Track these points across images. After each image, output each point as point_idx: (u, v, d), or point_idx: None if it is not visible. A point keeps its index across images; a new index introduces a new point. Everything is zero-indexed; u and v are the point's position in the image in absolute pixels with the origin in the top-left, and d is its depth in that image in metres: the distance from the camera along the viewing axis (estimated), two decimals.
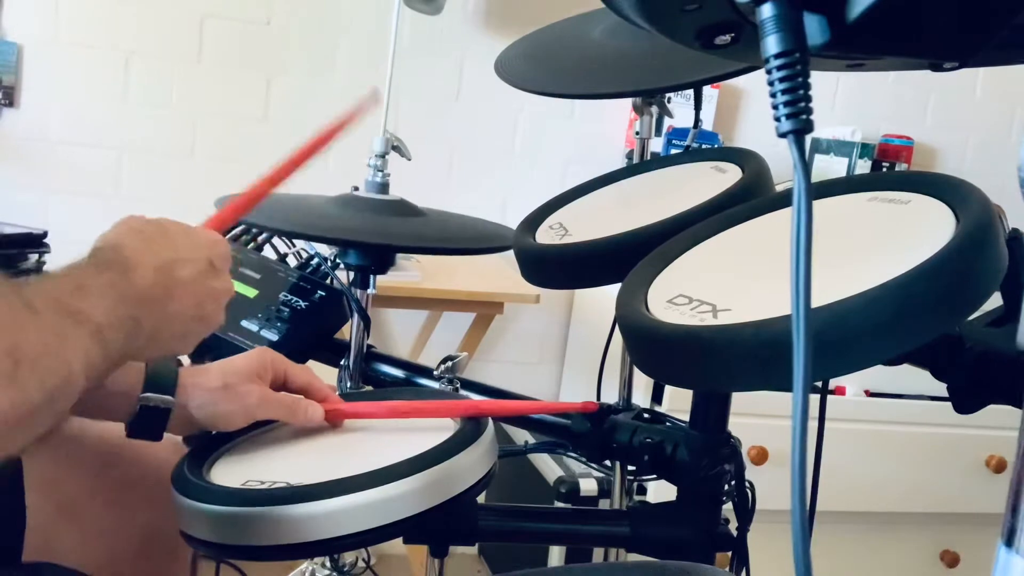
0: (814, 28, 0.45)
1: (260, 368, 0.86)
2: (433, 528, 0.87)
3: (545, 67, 1.21)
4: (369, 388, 1.22)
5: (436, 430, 0.82)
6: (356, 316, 1.20)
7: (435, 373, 1.09)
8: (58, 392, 0.55)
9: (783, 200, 0.83)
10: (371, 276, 1.22)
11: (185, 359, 0.88)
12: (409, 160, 1.30)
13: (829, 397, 0.95)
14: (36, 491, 0.83)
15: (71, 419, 0.92)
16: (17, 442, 0.54)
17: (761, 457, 1.97)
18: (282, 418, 0.86)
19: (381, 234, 1.18)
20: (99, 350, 0.59)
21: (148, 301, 0.65)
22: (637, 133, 1.27)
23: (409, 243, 1.23)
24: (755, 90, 2.56)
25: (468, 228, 1.33)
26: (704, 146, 2.07)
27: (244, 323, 1.17)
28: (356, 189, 1.32)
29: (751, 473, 0.96)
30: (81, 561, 0.86)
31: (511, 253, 1.04)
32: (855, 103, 2.64)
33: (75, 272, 0.62)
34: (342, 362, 1.21)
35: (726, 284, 0.73)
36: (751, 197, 0.90)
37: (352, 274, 1.22)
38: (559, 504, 1.85)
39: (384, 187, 1.28)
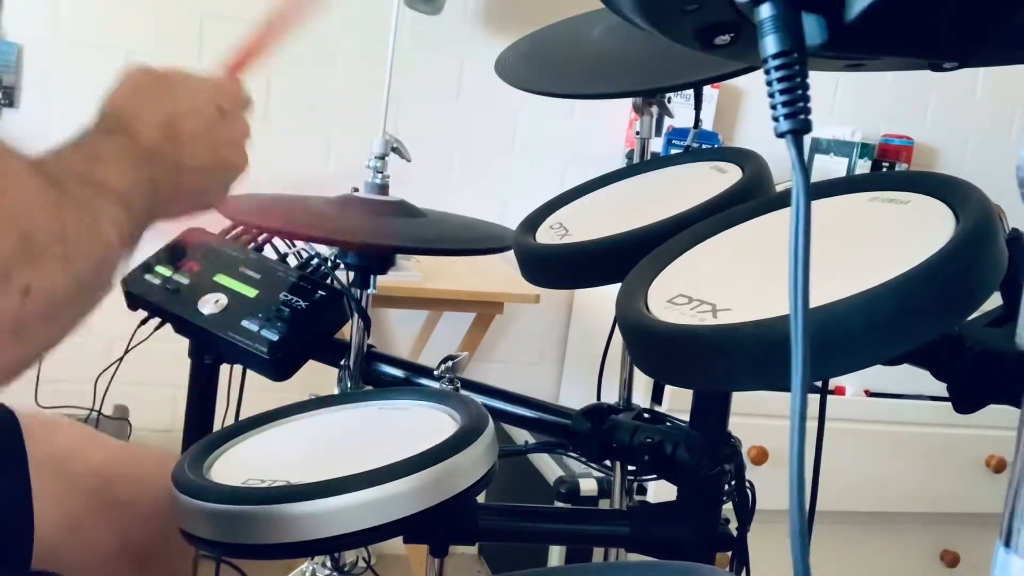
0: (812, 28, 0.45)
1: None
2: (433, 528, 0.87)
3: (545, 67, 1.21)
4: (369, 388, 1.22)
5: (436, 430, 0.82)
6: (356, 316, 1.20)
7: (435, 373, 1.09)
8: (103, 263, 0.57)
9: (783, 200, 0.83)
10: (371, 276, 1.22)
11: None
12: (408, 161, 1.31)
13: (829, 397, 0.95)
14: (42, 504, 0.84)
15: (73, 438, 0.92)
16: (73, 315, 0.56)
17: (761, 457, 1.97)
18: None
19: (381, 234, 1.18)
20: (127, 216, 0.60)
21: (159, 158, 0.64)
22: (637, 133, 1.27)
23: (409, 243, 1.23)
24: (755, 90, 2.56)
25: (468, 228, 1.33)
26: (704, 146, 2.08)
27: (244, 323, 1.17)
28: (356, 190, 1.32)
29: (751, 473, 0.97)
30: (84, 574, 0.87)
31: (511, 253, 1.04)
32: (855, 103, 2.64)
33: (86, 142, 0.62)
34: (342, 362, 1.21)
35: (726, 284, 0.73)
36: (751, 197, 0.90)
37: (352, 274, 1.22)
38: (559, 504, 1.85)
39: (384, 188, 1.28)
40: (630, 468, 1.24)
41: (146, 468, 0.94)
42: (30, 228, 0.51)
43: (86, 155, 0.60)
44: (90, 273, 0.56)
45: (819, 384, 0.97)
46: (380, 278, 1.23)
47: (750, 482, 0.96)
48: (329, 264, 1.25)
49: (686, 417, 0.97)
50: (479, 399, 0.92)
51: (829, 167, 2.47)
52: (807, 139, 0.43)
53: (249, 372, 1.28)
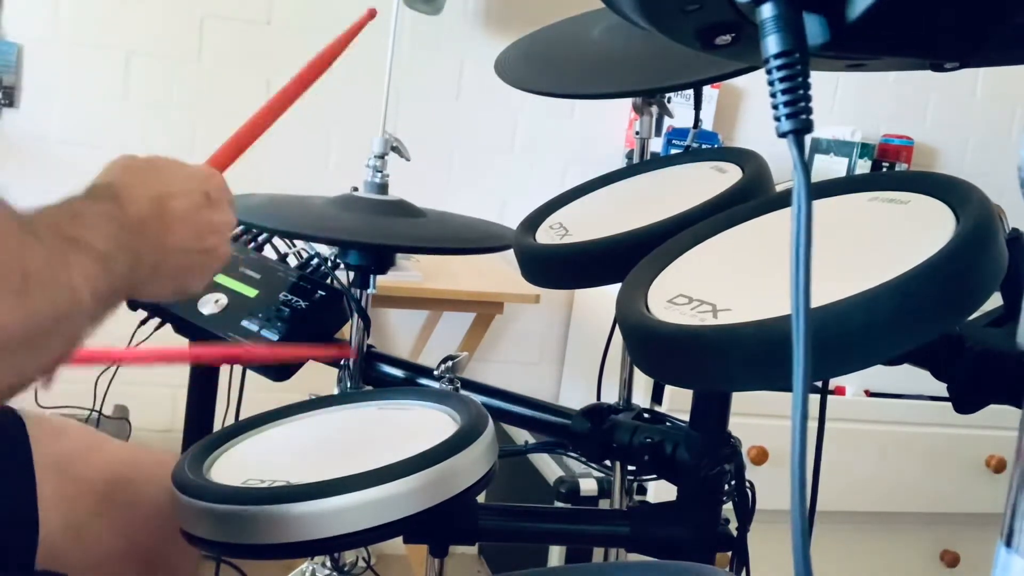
0: (814, 28, 0.45)
1: None
2: (433, 528, 0.87)
3: (545, 67, 1.21)
4: (369, 388, 1.22)
5: (436, 430, 0.82)
6: (356, 316, 1.20)
7: (435, 373, 1.09)
8: (66, 314, 0.55)
9: (783, 200, 0.83)
10: (371, 276, 1.22)
11: None
12: (408, 160, 1.30)
13: (829, 397, 0.95)
14: (47, 508, 0.84)
15: (79, 441, 0.92)
16: (26, 363, 0.53)
17: (761, 457, 1.97)
18: None
19: (381, 234, 1.18)
20: (103, 277, 0.58)
21: (145, 231, 0.64)
22: (637, 133, 1.27)
23: (409, 243, 1.23)
24: (755, 90, 2.56)
25: (468, 228, 1.33)
26: (704, 146, 2.07)
27: (244, 323, 1.17)
28: (356, 190, 1.32)
29: (751, 473, 0.96)
30: None
31: (511, 253, 1.04)
32: (855, 103, 2.64)
33: (71, 203, 0.61)
34: (342, 362, 1.21)
35: (726, 284, 0.73)
36: (751, 197, 0.90)
37: (352, 274, 1.22)
38: (559, 504, 1.85)
39: (383, 187, 1.28)
40: (630, 468, 1.24)
41: (151, 471, 0.93)
42: None
43: (69, 213, 0.59)
44: (50, 317, 0.53)
45: (819, 384, 0.97)
46: (380, 278, 1.23)
47: (750, 482, 0.96)
48: (329, 264, 1.25)
49: (686, 417, 0.97)
50: (479, 399, 0.92)
51: (829, 167, 2.47)
52: (807, 139, 0.43)
53: (249, 372, 1.28)
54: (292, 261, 1.30)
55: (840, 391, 2.09)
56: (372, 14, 0.94)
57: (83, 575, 0.87)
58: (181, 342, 1.29)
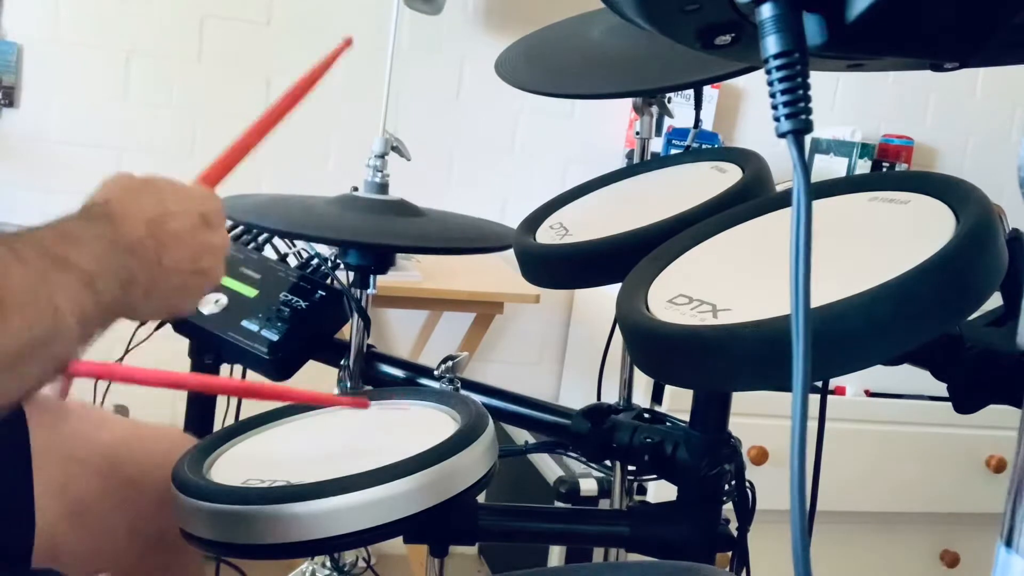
0: (813, 28, 0.45)
1: None
2: (433, 528, 0.87)
3: (545, 67, 1.21)
4: (369, 388, 1.22)
5: (436, 430, 0.82)
6: (356, 316, 1.20)
7: (435, 373, 1.09)
8: (47, 337, 0.55)
9: (783, 200, 0.83)
10: (371, 276, 1.22)
11: None
12: (408, 160, 1.30)
13: (829, 397, 0.95)
14: (45, 494, 0.83)
15: (81, 421, 0.92)
16: (8, 385, 0.54)
17: (761, 457, 1.97)
18: None
19: (381, 234, 1.18)
20: (91, 298, 0.58)
21: (140, 252, 0.64)
22: (637, 133, 1.27)
23: (409, 243, 1.23)
24: (755, 90, 2.56)
25: (468, 228, 1.33)
26: (704, 146, 2.07)
27: (244, 323, 1.17)
28: (356, 189, 1.32)
29: (751, 473, 0.97)
30: (89, 562, 0.86)
31: (511, 253, 1.05)
32: (855, 103, 2.64)
33: (63, 223, 0.61)
34: (342, 362, 1.21)
35: (726, 284, 0.73)
36: (751, 197, 0.90)
37: (352, 274, 1.22)
38: (559, 504, 1.85)
39: (384, 187, 1.28)
40: (630, 468, 1.24)
41: (158, 447, 0.93)
42: None
43: (58, 232, 0.59)
44: (31, 340, 0.53)
45: (819, 384, 0.97)
46: (380, 278, 1.23)
47: (750, 482, 0.96)
48: (329, 264, 1.25)
49: (686, 417, 0.97)
50: (479, 399, 0.92)
51: (829, 167, 2.47)
52: (807, 139, 0.43)
53: (249, 372, 1.28)
54: (292, 261, 1.30)
55: (840, 391, 2.09)
56: (349, 42, 0.95)
57: (86, 559, 0.86)
58: (182, 342, 1.29)
